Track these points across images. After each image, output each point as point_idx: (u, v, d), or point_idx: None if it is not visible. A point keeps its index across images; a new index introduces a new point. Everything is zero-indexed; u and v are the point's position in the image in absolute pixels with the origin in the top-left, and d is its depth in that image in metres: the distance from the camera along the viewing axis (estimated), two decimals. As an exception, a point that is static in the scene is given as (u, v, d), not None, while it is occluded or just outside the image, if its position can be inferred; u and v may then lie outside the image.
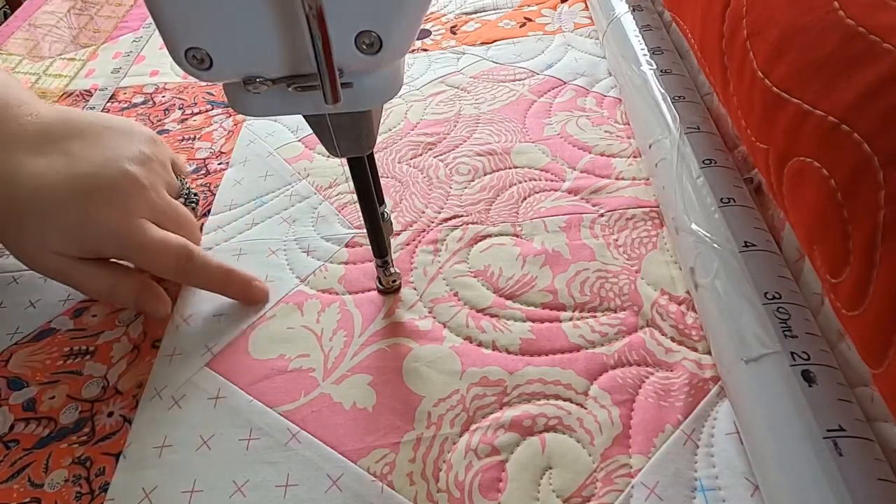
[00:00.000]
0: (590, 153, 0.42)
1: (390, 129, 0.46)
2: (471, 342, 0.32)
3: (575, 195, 0.39)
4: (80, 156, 0.34)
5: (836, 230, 0.22)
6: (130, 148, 0.35)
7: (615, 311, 0.33)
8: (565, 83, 0.48)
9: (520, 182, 0.40)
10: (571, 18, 0.55)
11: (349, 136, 0.26)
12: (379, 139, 0.43)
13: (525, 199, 0.39)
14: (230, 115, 0.50)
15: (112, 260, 0.35)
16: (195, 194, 0.40)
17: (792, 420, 0.24)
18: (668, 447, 0.27)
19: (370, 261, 0.36)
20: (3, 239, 0.34)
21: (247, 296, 0.35)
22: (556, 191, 0.39)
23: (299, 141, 0.47)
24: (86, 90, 0.55)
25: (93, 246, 0.33)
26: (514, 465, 0.28)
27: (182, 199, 0.39)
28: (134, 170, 0.34)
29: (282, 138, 0.47)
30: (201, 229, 0.40)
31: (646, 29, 0.45)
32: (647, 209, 0.37)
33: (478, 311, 0.34)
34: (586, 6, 0.55)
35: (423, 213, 0.40)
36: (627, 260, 0.35)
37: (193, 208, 0.39)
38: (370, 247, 0.33)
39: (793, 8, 0.25)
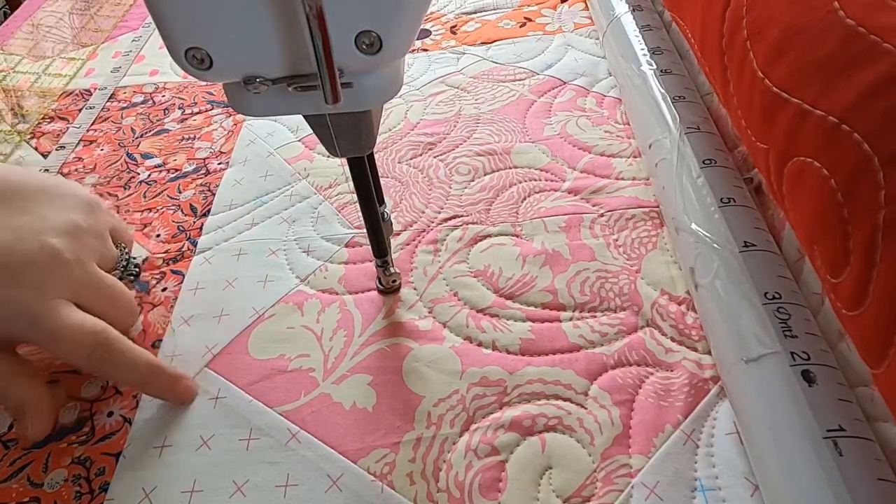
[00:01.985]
0: (590, 153, 0.42)
1: (390, 129, 0.46)
2: (471, 342, 0.32)
3: (575, 195, 0.39)
4: (2, 225, 0.30)
5: (836, 230, 0.22)
6: (60, 217, 0.32)
7: (615, 311, 0.33)
8: (565, 83, 0.48)
9: (520, 182, 0.40)
10: (571, 18, 0.55)
11: (349, 136, 0.26)
12: (379, 139, 0.43)
13: (525, 199, 0.39)
14: (230, 115, 0.50)
15: (19, 357, 0.31)
16: (135, 266, 0.38)
17: (792, 420, 0.24)
18: (668, 447, 0.27)
19: (370, 261, 0.36)
20: None
21: (172, 395, 0.31)
22: (556, 191, 0.39)
23: (299, 141, 0.47)
24: (85, 89, 0.55)
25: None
26: (514, 465, 0.28)
27: (118, 273, 0.35)
28: (56, 242, 0.30)
29: (282, 138, 0.47)
30: (201, 229, 0.40)
31: (646, 29, 0.45)
32: (647, 209, 0.37)
33: (478, 311, 0.34)
34: (586, 6, 0.55)
35: (423, 213, 0.40)
36: (627, 260, 0.35)
37: (132, 281, 0.37)
38: (370, 247, 0.33)
39: (793, 8, 0.25)
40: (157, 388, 0.31)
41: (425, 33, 0.56)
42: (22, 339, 0.31)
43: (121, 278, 0.35)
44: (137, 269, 0.37)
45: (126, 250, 0.37)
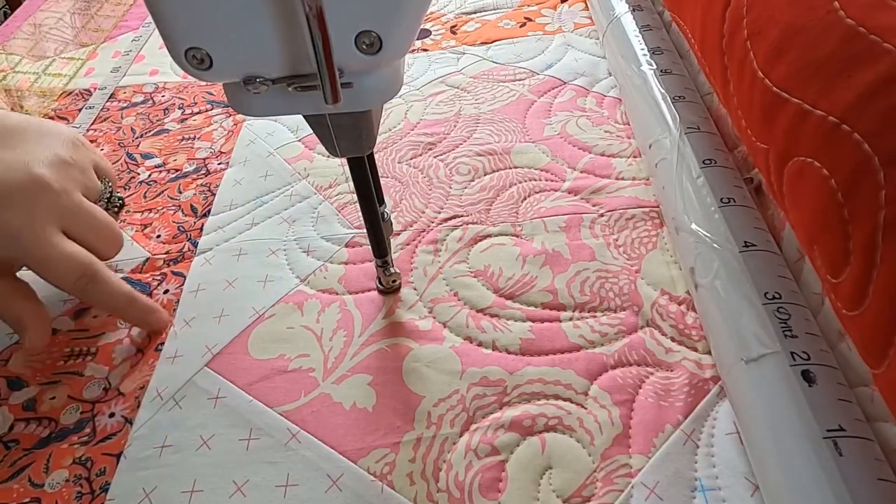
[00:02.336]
0: (590, 153, 0.42)
1: (390, 129, 0.46)
2: (471, 342, 0.32)
3: (575, 195, 0.39)
4: None
5: (837, 230, 0.22)
6: (45, 151, 0.34)
7: (615, 311, 0.33)
8: (565, 83, 0.48)
9: (520, 182, 0.40)
10: (571, 18, 0.55)
11: (349, 136, 0.26)
12: (379, 139, 0.43)
13: (525, 199, 0.39)
14: (230, 115, 0.50)
15: (16, 278, 0.34)
16: (119, 198, 0.40)
17: (792, 420, 0.24)
18: (668, 447, 0.27)
19: (370, 261, 0.36)
20: None
21: (146, 323, 0.35)
22: (556, 191, 0.39)
23: (299, 141, 0.47)
24: (85, 89, 0.55)
25: None
26: (514, 465, 0.28)
27: (103, 203, 0.38)
28: (43, 172, 0.33)
29: (282, 138, 0.47)
30: (201, 230, 0.40)
31: (646, 29, 0.45)
32: (647, 209, 0.37)
33: (478, 311, 0.34)
34: (586, 6, 0.55)
35: (423, 213, 0.40)
36: (627, 260, 0.35)
37: (116, 212, 0.39)
38: (370, 247, 0.33)
39: (793, 8, 0.25)
40: (133, 317, 0.35)
41: (425, 33, 0.56)
42: (15, 261, 0.33)
43: (106, 209, 0.37)
44: (121, 201, 0.40)
45: (109, 184, 0.40)
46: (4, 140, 0.34)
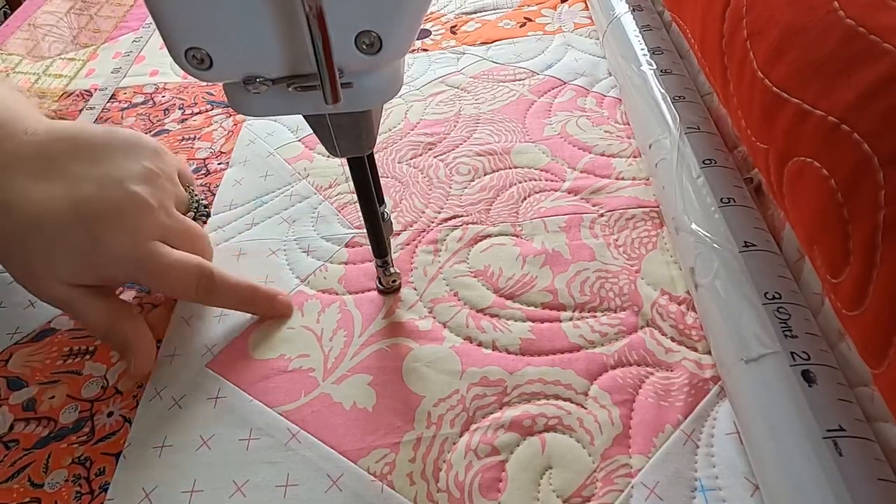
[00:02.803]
0: (590, 153, 0.42)
1: (390, 129, 0.46)
2: (471, 342, 0.32)
3: (575, 195, 0.39)
4: (82, 177, 0.32)
5: (836, 230, 0.22)
6: (134, 165, 0.33)
7: (615, 311, 0.33)
8: (565, 83, 0.48)
9: (520, 182, 0.40)
10: (571, 18, 0.55)
11: (349, 136, 0.26)
12: (379, 139, 0.43)
13: (525, 199, 0.39)
14: (230, 115, 0.50)
15: (120, 299, 0.34)
16: (205, 206, 0.39)
17: (792, 420, 0.24)
18: (668, 447, 0.27)
19: (370, 261, 0.36)
20: (9, 269, 0.32)
21: (272, 310, 0.34)
22: (556, 191, 0.39)
23: (299, 141, 0.47)
24: (86, 90, 0.55)
25: (104, 272, 0.31)
26: (514, 465, 0.28)
27: (192, 213, 0.37)
28: (140, 190, 0.32)
29: (282, 138, 0.47)
30: (201, 229, 0.41)
31: (646, 29, 0.45)
32: (647, 209, 0.37)
33: (478, 311, 0.34)
34: (586, 6, 0.55)
35: (423, 213, 0.40)
36: (627, 260, 0.35)
37: (204, 221, 0.38)
38: (370, 247, 0.33)
39: (793, 8, 0.25)
40: (258, 307, 0.34)
41: (425, 33, 0.56)
42: (125, 282, 0.34)
43: (195, 219, 0.37)
44: (207, 210, 0.38)
45: (193, 191, 0.38)
46: (89, 155, 0.33)
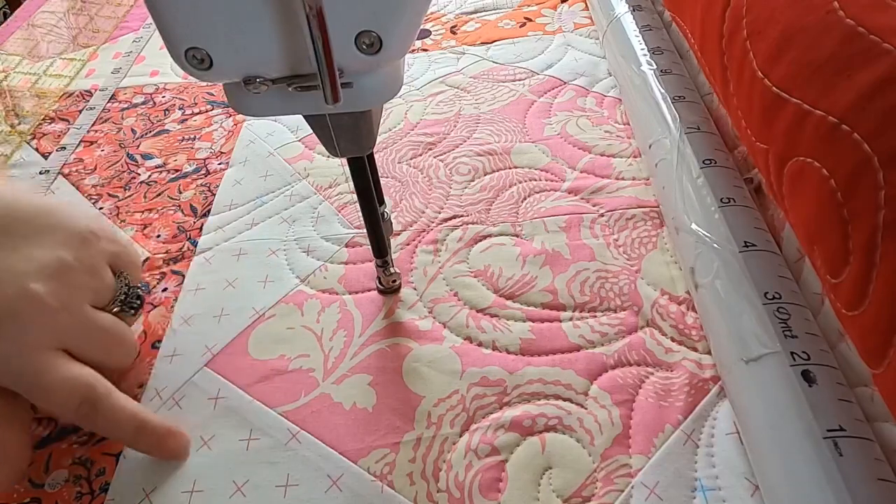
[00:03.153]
0: (590, 153, 0.42)
1: (390, 129, 0.46)
2: (471, 342, 0.32)
3: (575, 195, 0.39)
4: None
5: (836, 230, 0.22)
6: (43, 255, 0.28)
7: (615, 311, 0.33)
8: (565, 83, 0.48)
9: (520, 182, 0.40)
10: (571, 18, 0.55)
11: (349, 136, 0.26)
12: (379, 139, 0.43)
13: (525, 199, 0.39)
14: (230, 115, 0.50)
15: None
16: (137, 297, 0.33)
17: (792, 420, 0.24)
18: (668, 447, 0.27)
19: (370, 261, 0.36)
20: None
21: (162, 450, 0.29)
22: (556, 191, 0.39)
23: (299, 141, 0.47)
24: (86, 90, 0.55)
25: None
26: (514, 465, 0.28)
27: (117, 306, 0.31)
28: (37, 288, 0.27)
29: (282, 138, 0.47)
30: (201, 230, 0.41)
31: (646, 29, 0.45)
32: (647, 209, 0.37)
33: (478, 311, 0.34)
34: (586, 6, 0.55)
35: (423, 213, 0.40)
36: (627, 260, 0.35)
37: (133, 313, 0.32)
38: (370, 247, 0.33)
39: (793, 8, 0.25)
40: (145, 445, 0.29)
41: (425, 33, 0.56)
42: (10, 387, 0.28)
43: (120, 312, 0.32)
44: (140, 301, 0.33)
45: (126, 280, 0.32)
46: (2, 238, 0.28)
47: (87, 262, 0.30)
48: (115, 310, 0.31)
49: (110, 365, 0.30)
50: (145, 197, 0.44)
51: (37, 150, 0.49)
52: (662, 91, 0.39)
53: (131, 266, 0.34)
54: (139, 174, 0.46)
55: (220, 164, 0.46)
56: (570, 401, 0.29)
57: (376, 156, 0.43)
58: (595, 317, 0.33)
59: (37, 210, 0.30)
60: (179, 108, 0.52)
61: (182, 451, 0.30)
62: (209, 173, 0.45)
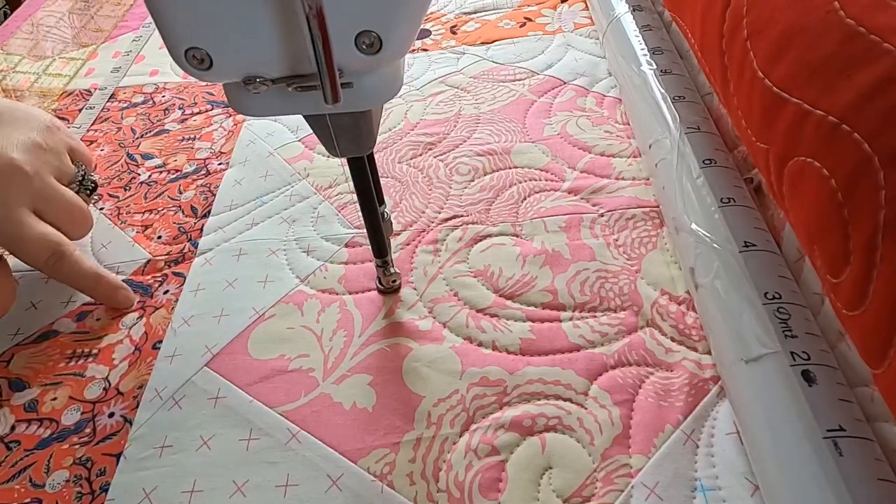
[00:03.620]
0: (590, 153, 0.42)
1: (390, 129, 0.46)
2: (471, 342, 0.32)
3: (575, 195, 0.39)
4: None
5: (837, 230, 0.22)
6: (20, 135, 0.36)
7: (615, 311, 0.33)
8: (565, 83, 0.48)
9: (520, 182, 0.40)
10: (571, 18, 0.55)
11: (349, 136, 0.26)
12: (379, 139, 0.43)
13: (525, 199, 0.39)
14: (230, 115, 0.50)
15: None
16: (92, 181, 0.41)
17: (792, 420, 0.24)
18: (668, 447, 0.27)
19: (370, 261, 0.36)
20: None
21: (113, 300, 0.36)
22: (556, 191, 0.39)
23: (299, 141, 0.47)
24: (86, 90, 0.55)
25: None
26: (514, 465, 0.28)
27: (75, 186, 0.39)
28: (17, 157, 0.35)
29: (282, 138, 0.47)
30: (202, 230, 0.41)
31: (646, 29, 0.45)
32: (647, 209, 0.37)
33: (478, 311, 0.34)
34: (586, 6, 0.55)
35: (423, 213, 0.40)
36: (627, 260, 0.35)
37: (88, 195, 0.40)
38: (370, 247, 0.33)
39: (793, 8, 0.25)
40: (101, 294, 0.36)
41: (425, 33, 0.56)
42: None
43: (78, 192, 0.39)
44: (94, 184, 0.41)
45: (83, 167, 0.41)
46: None
47: (52, 145, 0.38)
48: (74, 189, 0.39)
49: (70, 231, 0.37)
50: (145, 197, 0.44)
51: (37, 150, 0.49)
52: (662, 91, 0.39)
53: (86, 160, 0.43)
54: (139, 174, 0.46)
55: (220, 164, 0.46)
56: (570, 401, 0.29)
57: (376, 156, 0.43)
58: (595, 317, 0.33)
59: (5, 105, 0.38)
60: (179, 108, 0.52)
61: (128, 303, 0.37)
62: (209, 173, 0.45)
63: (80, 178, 0.40)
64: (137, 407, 0.32)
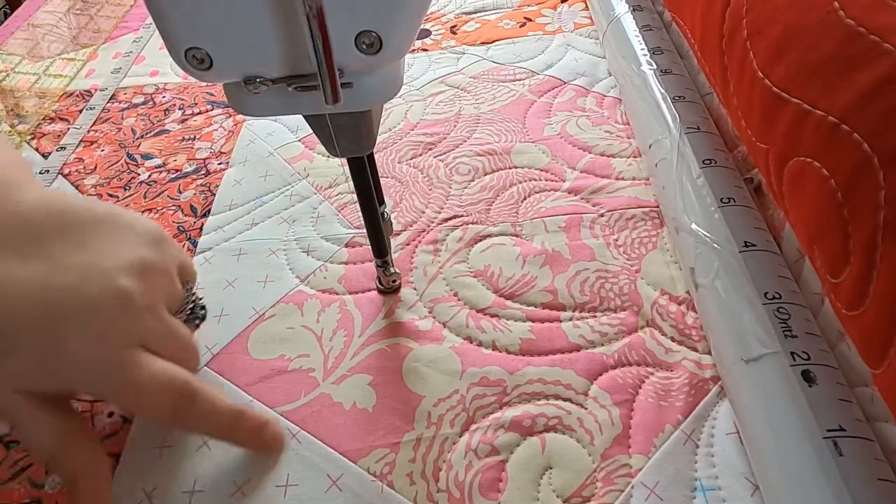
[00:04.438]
0: (590, 153, 0.42)
1: (390, 129, 0.46)
2: (471, 342, 0.32)
3: (575, 195, 0.39)
4: (63, 262, 0.26)
5: (837, 230, 0.22)
6: (127, 253, 0.27)
7: (615, 311, 0.33)
8: (565, 83, 0.48)
9: (520, 182, 0.40)
10: (571, 18, 0.55)
11: (349, 136, 0.26)
12: (379, 139, 0.43)
13: (525, 199, 0.39)
14: (230, 115, 0.50)
15: (74, 414, 0.28)
16: (202, 308, 0.32)
17: (792, 420, 0.24)
18: (668, 447, 0.27)
19: (370, 261, 0.36)
20: None
21: (257, 441, 0.29)
22: (556, 191, 0.39)
23: (299, 141, 0.47)
24: (86, 90, 0.55)
25: (64, 383, 0.26)
26: (514, 465, 0.28)
27: (184, 315, 0.31)
28: (128, 285, 0.26)
29: (282, 138, 0.47)
30: (201, 230, 0.41)
31: (646, 29, 0.45)
32: (647, 209, 0.37)
33: (478, 311, 0.34)
34: (586, 6, 0.55)
35: (423, 213, 0.40)
36: (627, 260, 0.35)
37: (198, 325, 0.32)
38: (370, 247, 0.33)
39: (793, 8, 0.25)
40: (242, 437, 0.29)
41: (425, 33, 0.56)
42: (89, 394, 0.28)
43: (186, 321, 0.30)
44: (204, 312, 0.32)
45: (191, 290, 0.32)
46: (76, 235, 0.27)
47: (163, 265, 0.29)
48: (182, 318, 0.30)
49: None
50: (145, 197, 0.44)
51: (37, 150, 0.49)
52: (662, 91, 0.39)
53: (192, 277, 0.33)
54: (139, 174, 0.46)
55: (220, 164, 0.46)
56: (570, 401, 0.29)
57: (376, 156, 0.43)
58: (595, 317, 0.33)
59: (106, 210, 0.29)
60: (179, 108, 0.52)
61: (280, 440, 0.29)
62: (209, 173, 0.45)
63: (191, 306, 0.31)
64: (137, 407, 0.32)
